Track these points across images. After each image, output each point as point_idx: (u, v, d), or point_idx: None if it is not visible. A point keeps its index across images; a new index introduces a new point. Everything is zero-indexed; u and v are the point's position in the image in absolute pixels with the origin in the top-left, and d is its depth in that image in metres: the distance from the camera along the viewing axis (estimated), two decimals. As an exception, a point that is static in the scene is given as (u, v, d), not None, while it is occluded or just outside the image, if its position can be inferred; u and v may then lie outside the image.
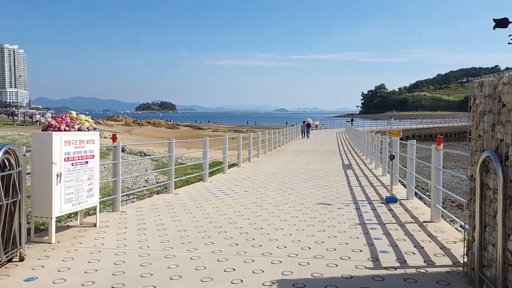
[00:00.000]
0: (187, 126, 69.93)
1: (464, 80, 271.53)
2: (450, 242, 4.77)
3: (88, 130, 21.29)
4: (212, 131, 56.48)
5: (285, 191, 8.47)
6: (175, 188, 8.72)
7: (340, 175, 11.15)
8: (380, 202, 7.22)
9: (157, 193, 8.70)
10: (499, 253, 2.92)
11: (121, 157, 14.56)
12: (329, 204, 7.03)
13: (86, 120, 21.98)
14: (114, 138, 6.40)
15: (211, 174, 11.65)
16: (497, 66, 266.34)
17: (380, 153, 12.53)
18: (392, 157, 7.24)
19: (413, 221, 5.80)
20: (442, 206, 5.87)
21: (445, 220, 6.08)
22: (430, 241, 4.79)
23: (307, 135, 35.27)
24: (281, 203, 7.13)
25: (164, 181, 10.13)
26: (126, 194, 8.32)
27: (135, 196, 8.44)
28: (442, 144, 5.66)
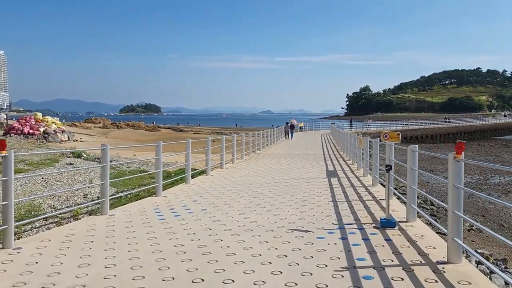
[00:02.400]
0: (168, 128, 67.68)
1: (447, 82, 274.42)
2: (488, 307, 3.07)
3: (55, 133, 19.08)
4: (194, 133, 54.42)
5: (253, 209, 6.71)
6: (116, 207, 6.90)
7: (323, 185, 9.45)
8: (374, 227, 5.51)
9: (90, 214, 6.85)
10: None
11: (72, 164, 12.62)
12: (306, 231, 5.29)
13: (53, 122, 19.75)
14: (1, 145, 4.48)
15: (171, 185, 9.87)
16: (478, 68, 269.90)
17: (370, 158, 10.88)
18: (389, 168, 5.55)
19: (423, 261, 4.10)
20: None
21: (467, 258, 4.39)
22: (457, 306, 3.08)
23: (290, 136, 34.21)
24: (244, 230, 5.37)
25: (111, 196, 8.28)
26: (45, 218, 6.44)
27: (56, 220, 6.56)
28: (463, 152, 3.97)
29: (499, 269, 5.67)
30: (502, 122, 70.38)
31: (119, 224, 5.72)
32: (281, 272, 3.79)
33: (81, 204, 7.49)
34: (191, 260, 4.16)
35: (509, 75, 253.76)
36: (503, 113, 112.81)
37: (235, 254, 4.34)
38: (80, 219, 6.33)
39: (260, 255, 4.32)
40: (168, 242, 4.82)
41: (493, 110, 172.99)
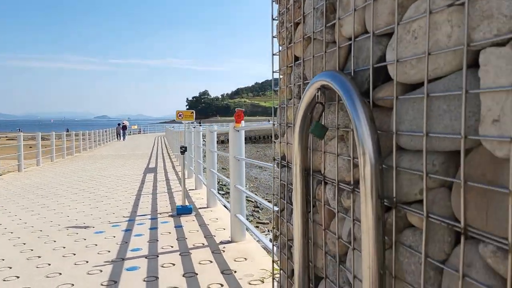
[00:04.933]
0: (-26, 135, 57.00)
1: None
2: (255, 280, 2.77)
3: None
4: (8, 139, 46.97)
5: (32, 209, 5.52)
6: None
7: (135, 181, 8.64)
8: (169, 216, 5.00)
9: None
10: None
11: None
12: (86, 227, 4.45)
13: None
14: None
15: None
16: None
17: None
18: (184, 150, 5.09)
19: (206, 244, 3.70)
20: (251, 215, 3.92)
21: (253, 237, 4.15)
22: (221, 285, 2.69)
23: (122, 138, 32.61)
24: (1, 234, 4.22)
25: None
26: None
27: None
28: (243, 120, 3.71)
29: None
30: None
31: None
32: (18, 277, 2.90)
33: None
34: None
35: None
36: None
37: (-35, 264, 3.24)
38: None
39: (3, 259, 3.32)
40: None
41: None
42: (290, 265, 1.58)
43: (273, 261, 1.79)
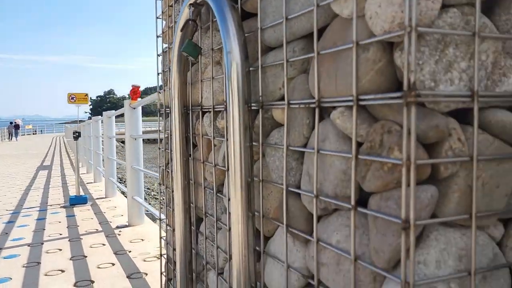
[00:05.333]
0: None
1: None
2: (150, 257, 2.64)
3: None
4: None
5: None
6: None
7: (26, 177, 7.85)
8: (61, 206, 4.59)
9: None
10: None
11: None
12: (-42, 222, 3.90)
13: None
14: None
15: None
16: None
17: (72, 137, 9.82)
18: (77, 136, 4.73)
19: (101, 229, 3.45)
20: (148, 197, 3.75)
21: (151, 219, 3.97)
22: (113, 264, 2.52)
23: (15, 137, 29.69)
24: None
25: None
26: None
27: None
28: (140, 97, 3.52)
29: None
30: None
31: None
32: None
33: None
34: None
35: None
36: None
37: None
38: None
39: None
40: None
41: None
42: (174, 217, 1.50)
43: (160, 220, 1.70)
